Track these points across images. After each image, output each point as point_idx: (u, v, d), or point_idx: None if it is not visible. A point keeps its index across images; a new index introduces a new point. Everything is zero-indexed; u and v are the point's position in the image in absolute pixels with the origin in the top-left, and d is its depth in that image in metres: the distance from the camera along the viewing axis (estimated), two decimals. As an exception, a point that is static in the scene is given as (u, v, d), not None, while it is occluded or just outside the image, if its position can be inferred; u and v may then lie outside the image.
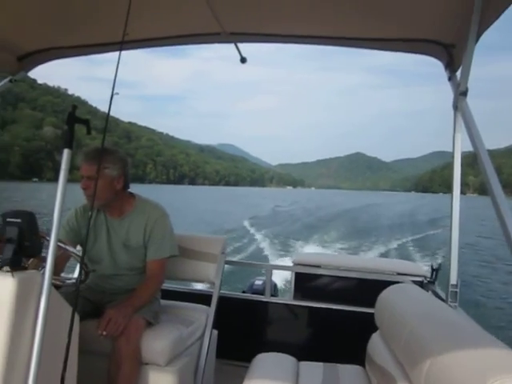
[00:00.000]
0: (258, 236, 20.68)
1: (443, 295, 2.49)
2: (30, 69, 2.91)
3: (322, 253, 12.11)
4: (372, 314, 2.14)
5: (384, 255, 16.02)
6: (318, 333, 3.16)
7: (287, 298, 3.33)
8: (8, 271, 1.40)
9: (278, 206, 47.78)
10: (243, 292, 3.62)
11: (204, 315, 2.67)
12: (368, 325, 2.18)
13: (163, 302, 2.61)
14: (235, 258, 10.50)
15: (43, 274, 1.45)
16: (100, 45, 2.70)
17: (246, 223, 26.97)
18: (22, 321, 1.40)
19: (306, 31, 2.52)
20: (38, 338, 1.37)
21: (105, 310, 2.13)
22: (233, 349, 3.05)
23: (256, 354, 2.25)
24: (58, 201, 1.47)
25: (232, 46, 2.65)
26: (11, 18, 2.44)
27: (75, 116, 1.52)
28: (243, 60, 2.69)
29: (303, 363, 2.18)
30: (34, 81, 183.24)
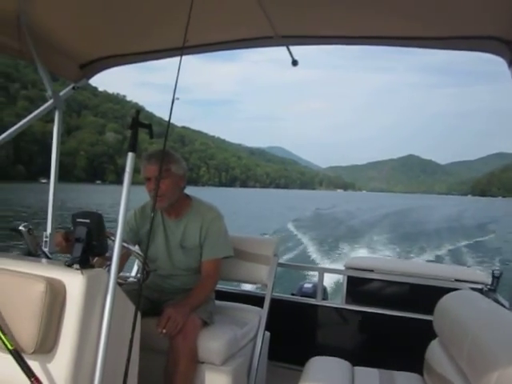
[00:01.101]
0: (303, 238, 20.45)
1: (506, 303, 2.35)
2: (90, 76, 3.00)
3: (375, 257, 11.85)
4: (429, 321, 2.06)
5: (436, 260, 15.38)
6: (371, 338, 3.07)
7: (339, 302, 3.26)
8: (78, 269, 1.46)
9: (320, 209, 47.13)
10: (292, 294, 3.59)
11: (257, 317, 2.67)
12: (425, 332, 2.11)
13: (216, 302, 2.63)
14: (281, 260, 10.39)
15: (108, 272, 1.50)
16: (160, 51, 2.77)
17: (291, 225, 26.79)
18: (90, 316, 1.45)
19: (359, 32, 2.47)
20: (104, 333, 1.41)
21: (164, 309, 2.18)
22: (284, 351, 3.03)
23: (308, 357, 2.22)
24: (123, 202, 1.51)
25: (281, 48, 2.64)
26: (75, 28, 2.55)
27: (139, 121, 1.55)
28: (295, 63, 2.67)
29: (358, 368, 2.13)
30: (95, 88, 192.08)
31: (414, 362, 2.07)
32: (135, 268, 3.01)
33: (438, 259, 15.84)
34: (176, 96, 1.65)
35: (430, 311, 2.07)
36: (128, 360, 1.47)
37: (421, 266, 4.59)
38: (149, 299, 2.41)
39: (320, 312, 3.18)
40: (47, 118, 2.73)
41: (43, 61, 2.44)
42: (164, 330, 2.05)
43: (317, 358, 2.20)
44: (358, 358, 2.46)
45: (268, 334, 2.76)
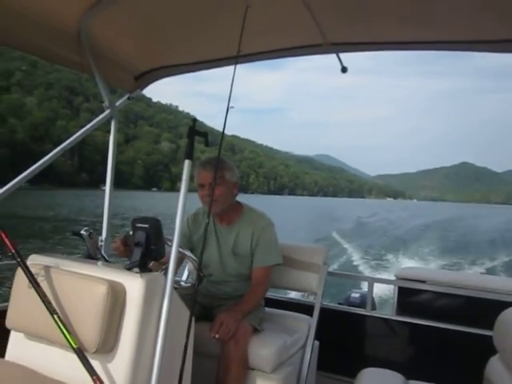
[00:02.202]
0: (348, 247, 20.02)
1: None
2: (144, 87, 3.08)
3: (427, 267, 11.41)
4: (487, 336, 1.96)
5: (489, 273, 14.48)
6: (424, 351, 2.93)
7: (389, 313, 3.14)
8: (137, 272, 1.50)
9: (363, 217, 45.98)
10: (339, 304, 3.51)
11: (306, 325, 2.64)
12: (483, 347, 2.00)
13: (266, 309, 2.61)
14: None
15: (164, 275, 1.52)
16: (214, 61, 2.81)
17: (335, 234, 26.37)
18: (148, 318, 1.48)
19: (409, 37, 2.41)
20: (161, 336, 1.43)
21: (216, 314, 2.19)
22: (333, 361, 2.96)
23: (357, 368, 2.15)
24: (180, 208, 1.52)
25: (328, 55, 2.62)
26: (131, 42, 2.65)
27: (195, 129, 1.57)
28: (344, 69, 2.63)
29: (413, 382, 2.04)
30: (150, 99, 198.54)
31: (471, 377, 1.98)
32: (185, 273, 3.05)
33: (492, 271, 15.03)
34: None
35: (489, 326, 1.96)
36: (183, 364, 1.50)
37: (477, 278, 4.36)
38: (200, 304, 2.43)
39: (370, 323, 3.09)
40: (108, 129, 2.83)
41: (101, 73, 2.54)
42: (217, 335, 2.06)
43: (369, 369, 2.13)
44: (411, 371, 2.35)
45: (317, 343, 2.71)
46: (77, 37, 2.40)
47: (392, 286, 3.43)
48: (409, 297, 3.23)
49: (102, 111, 2.75)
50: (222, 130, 1.88)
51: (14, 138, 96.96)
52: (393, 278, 3.53)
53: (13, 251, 1.49)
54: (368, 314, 3.08)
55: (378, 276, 7.29)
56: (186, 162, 1.55)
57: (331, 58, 2.61)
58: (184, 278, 3.04)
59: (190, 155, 1.55)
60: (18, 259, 1.49)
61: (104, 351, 1.45)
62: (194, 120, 1.59)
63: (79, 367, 1.34)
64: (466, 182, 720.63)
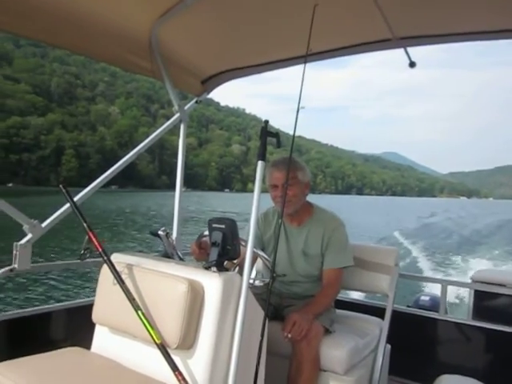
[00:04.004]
0: (412, 248, 18.98)
1: None
2: (210, 90, 3.11)
3: (505, 270, 10.55)
4: None
5: None
6: (502, 358, 2.70)
7: (464, 317, 2.91)
8: (215, 271, 1.52)
9: (424, 217, 43.39)
10: (408, 306, 3.32)
11: (377, 328, 2.53)
12: None
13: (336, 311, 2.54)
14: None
15: (239, 275, 1.52)
16: (282, 61, 2.78)
17: (397, 234, 25.20)
18: (225, 317, 1.48)
19: (478, 27, 2.24)
20: (238, 334, 1.43)
21: (287, 314, 2.16)
22: (406, 366, 2.82)
23: (431, 374, 2.02)
24: (254, 208, 1.51)
25: (393, 50, 2.53)
26: (198, 47, 2.69)
27: (267, 130, 1.55)
28: (412, 64, 2.51)
29: None
30: (218, 103, 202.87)
31: None
32: (254, 273, 3.04)
33: None
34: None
35: None
36: (258, 362, 1.49)
37: None
38: (271, 304, 2.40)
39: (444, 327, 2.89)
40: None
41: (170, 78, 2.60)
42: (289, 335, 2.03)
43: (447, 376, 1.99)
44: (491, 379, 2.17)
45: (389, 346, 2.59)
46: (148, 44, 2.48)
47: (463, 289, 3.19)
48: (486, 301, 3.01)
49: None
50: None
51: (104, 145, 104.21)
52: (466, 280, 3.29)
53: (100, 250, 1.56)
54: (441, 318, 2.90)
55: (449, 278, 6.84)
56: (259, 163, 1.53)
57: (397, 53, 2.51)
58: (252, 276, 3.03)
59: (262, 156, 1.54)
60: (105, 258, 1.55)
61: (184, 347, 1.47)
62: (266, 121, 1.58)
63: (160, 362, 1.37)
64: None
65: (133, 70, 2.74)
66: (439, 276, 11.62)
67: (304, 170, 2.38)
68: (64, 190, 1.67)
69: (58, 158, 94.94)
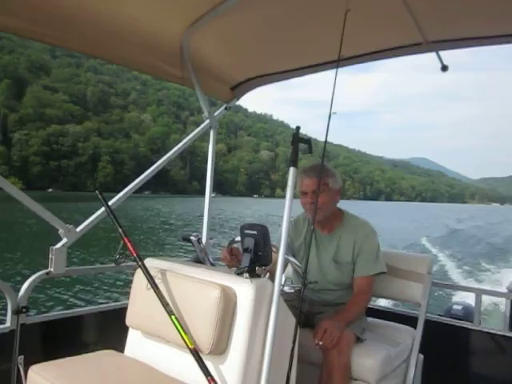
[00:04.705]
0: (440, 255, 18.36)
1: None
2: (240, 96, 3.10)
3: None
4: None
5: None
6: None
7: (501, 328, 2.77)
8: (247, 278, 1.50)
9: (458, 223, 41.92)
10: (439, 315, 3.19)
11: (409, 337, 2.44)
12: None
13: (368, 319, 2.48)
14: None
15: (270, 281, 1.50)
16: (313, 66, 2.75)
17: (425, 240, 24.49)
18: (256, 323, 1.46)
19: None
20: (269, 340, 1.41)
21: (317, 321, 2.12)
22: (439, 377, 2.70)
23: None
24: (286, 215, 1.48)
25: (422, 54, 2.48)
26: (229, 53, 2.69)
27: (299, 136, 1.52)
28: (444, 68, 2.44)
29: None
30: (246, 110, 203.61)
31: None
32: (283, 279, 2.98)
33: None
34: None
35: None
36: (289, 369, 1.47)
37: None
38: (301, 311, 2.35)
39: (479, 338, 2.75)
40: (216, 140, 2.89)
41: (200, 85, 2.61)
42: (320, 342, 1.98)
43: None
44: None
45: (421, 356, 2.49)
46: (179, 52, 2.51)
47: (496, 298, 3.03)
48: None
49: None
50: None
51: (137, 152, 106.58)
52: (500, 289, 3.12)
53: (135, 255, 1.57)
54: (476, 328, 2.76)
55: (483, 287, 6.55)
56: (291, 170, 1.51)
57: (425, 57, 2.49)
58: (282, 283, 2.98)
59: (294, 162, 1.51)
60: (140, 263, 1.56)
61: (216, 353, 1.46)
62: (298, 128, 1.56)
63: (193, 367, 1.36)
64: None
65: (164, 77, 2.78)
66: (472, 284, 11.22)
67: (335, 177, 2.33)
68: (100, 196, 1.70)
69: (94, 164, 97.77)
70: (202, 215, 2.90)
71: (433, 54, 2.43)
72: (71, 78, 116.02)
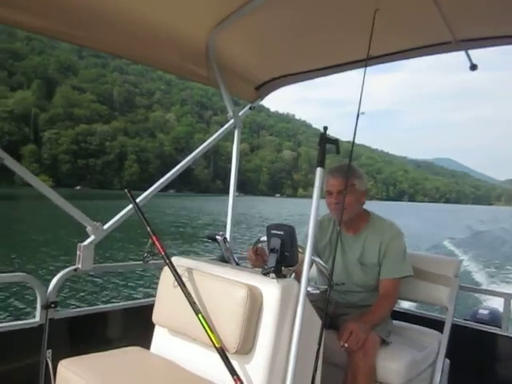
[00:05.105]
0: (464, 258, 17.84)
1: None
2: (264, 96, 3.08)
3: None
4: None
5: None
6: None
7: None
8: (273, 278, 1.49)
9: (481, 225, 40.66)
10: (464, 320, 3.09)
11: (435, 341, 2.39)
12: None
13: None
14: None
15: (297, 282, 1.48)
16: (340, 65, 2.71)
17: (447, 242, 23.89)
18: (282, 323, 1.45)
19: None
20: (295, 341, 1.39)
21: (342, 323, 2.10)
22: (466, 383, 2.60)
23: None
24: (313, 217, 1.47)
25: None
26: (254, 53, 2.67)
27: (326, 137, 1.51)
28: (474, 67, 2.38)
29: None
30: (268, 109, 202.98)
31: None
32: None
33: None
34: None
35: None
36: (315, 370, 1.45)
37: None
38: (326, 313, 2.32)
39: (507, 344, 2.66)
40: (233, 139, 2.87)
41: (225, 85, 2.60)
42: (346, 344, 1.95)
43: None
44: None
45: (448, 361, 2.42)
46: (204, 52, 2.50)
47: None
48: None
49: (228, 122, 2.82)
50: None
51: (162, 151, 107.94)
52: None
53: (163, 254, 1.58)
54: (504, 333, 2.67)
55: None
56: (318, 170, 1.49)
57: (450, 55, 2.46)
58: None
59: (322, 163, 1.50)
60: (167, 261, 1.56)
61: (242, 352, 1.45)
62: (325, 128, 1.53)
63: (219, 366, 1.36)
64: None
65: (189, 77, 2.78)
66: (499, 288, 10.90)
67: (361, 179, 2.30)
68: (129, 195, 1.71)
69: (121, 162, 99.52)
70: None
71: (459, 52, 2.38)
72: (98, 78, 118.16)
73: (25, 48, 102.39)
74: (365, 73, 1.88)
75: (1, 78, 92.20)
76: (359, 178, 2.28)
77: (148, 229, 1.62)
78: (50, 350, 1.96)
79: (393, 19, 2.08)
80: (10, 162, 1.79)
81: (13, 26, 1.93)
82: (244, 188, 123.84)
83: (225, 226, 2.79)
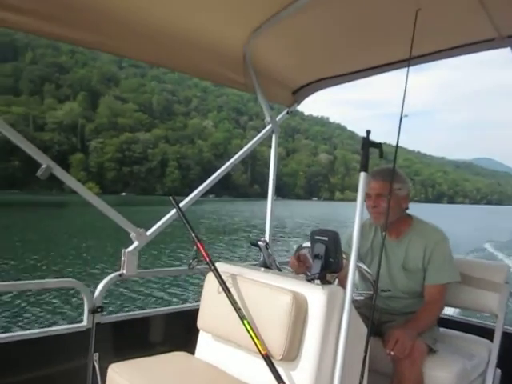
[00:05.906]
0: (508, 261, 16.86)
1: None
2: (301, 100, 3.04)
3: None
4: None
5: None
6: None
7: None
8: (318, 284, 1.46)
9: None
10: None
11: (485, 350, 2.26)
12: None
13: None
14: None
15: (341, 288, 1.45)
16: (382, 66, 2.64)
17: (488, 245, 22.71)
18: (328, 330, 1.42)
19: None
20: (341, 348, 1.37)
21: (387, 330, 2.02)
22: None
23: None
24: (357, 221, 1.43)
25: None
26: (291, 58, 2.64)
27: (369, 141, 1.46)
28: None
29: None
30: (303, 113, 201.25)
31: None
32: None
33: None
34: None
35: None
36: (361, 378, 1.41)
37: None
38: (368, 319, 2.25)
39: None
40: (269, 144, 2.85)
41: (262, 90, 2.58)
42: (392, 352, 1.88)
43: None
44: None
45: (499, 371, 2.28)
46: (241, 58, 2.50)
47: None
48: None
49: (265, 127, 2.80)
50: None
51: (202, 157, 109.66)
52: None
53: (207, 260, 1.57)
54: None
55: None
56: (362, 175, 1.45)
57: (490, 52, 2.34)
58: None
59: (365, 167, 1.45)
60: (212, 267, 1.56)
61: (288, 359, 1.43)
62: (368, 132, 1.49)
63: (264, 372, 1.35)
64: None
65: (226, 83, 2.78)
66: None
67: (403, 183, 2.22)
68: (174, 202, 1.72)
69: (162, 169, 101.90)
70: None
71: (502, 49, 2.27)
72: (138, 87, 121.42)
73: (69, 61, 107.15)
74: (407, 73, 1.81)
75: (49, 90, 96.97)
76: (401, 182, 2.20)
77: (193, 235, 1.62)
78: (97, 354, 2.00)
79: (434, 18, 2.01)
80: (58, 172, 1.83)
81: (59, 40, 2.00)
82: (281, 192, 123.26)
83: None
